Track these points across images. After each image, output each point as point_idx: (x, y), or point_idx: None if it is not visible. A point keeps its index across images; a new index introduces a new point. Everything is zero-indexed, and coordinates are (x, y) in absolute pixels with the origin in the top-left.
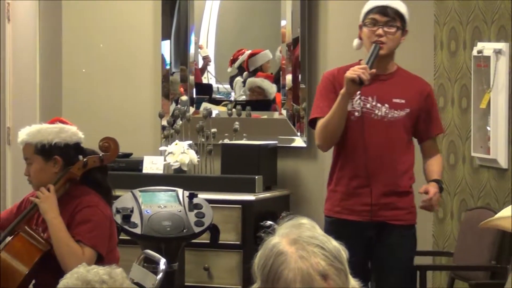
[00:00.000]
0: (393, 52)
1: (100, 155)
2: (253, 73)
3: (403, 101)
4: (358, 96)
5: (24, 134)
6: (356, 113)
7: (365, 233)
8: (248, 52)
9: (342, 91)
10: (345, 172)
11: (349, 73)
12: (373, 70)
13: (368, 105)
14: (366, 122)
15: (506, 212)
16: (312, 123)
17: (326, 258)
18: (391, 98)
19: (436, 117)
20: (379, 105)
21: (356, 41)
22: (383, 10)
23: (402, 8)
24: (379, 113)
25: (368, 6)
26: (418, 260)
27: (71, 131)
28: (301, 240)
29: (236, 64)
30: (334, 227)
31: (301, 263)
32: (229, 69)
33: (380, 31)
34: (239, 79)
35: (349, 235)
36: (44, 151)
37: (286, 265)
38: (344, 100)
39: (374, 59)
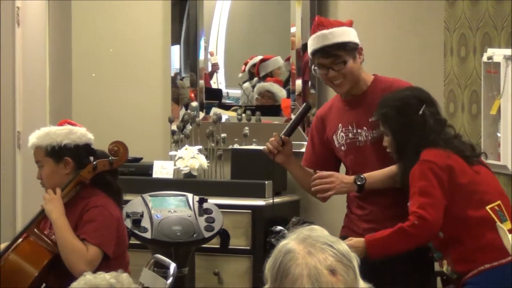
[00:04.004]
0: (358, 72)
1: (110, 158)
2: (263, 79)
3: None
4: (340, 130)
5: (33, 137)
6: (343, 147)
7: None
8: (259, 57)
9: None
10: (352, 201)
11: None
12: (286, 138)
13: (350, 135)
14: (353, 152)
15: None
16: None
17: (334, 255)
18: (367, 118)
19: None
20: (359, 130)
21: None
22: (323, 53)
23: (341, 35)
24: (362, 139)
25: (310, 48)
26: None
27: (80, 132)
28: (310, 239)
29: (246, 68)
30: None
31: (309, 259)
32: (240, 75)
33: (331, 74)
34: (247, 84)
35: None
36: (54, 153)
37: (294, 261)
38: (286, 166)
39: (298, 121)
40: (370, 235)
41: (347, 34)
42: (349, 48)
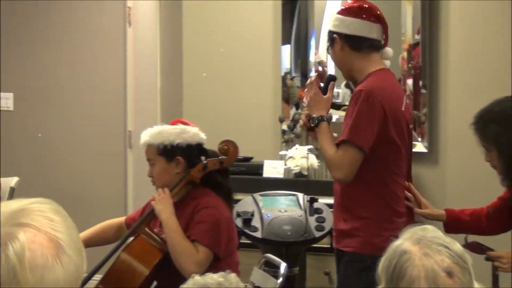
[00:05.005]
0: (343, 62)
1: (220, 158)
2: None
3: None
4: None
5: (146, 135)
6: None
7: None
8: None
9: None
10: None
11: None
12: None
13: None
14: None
15: None
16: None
17: (450, 256)
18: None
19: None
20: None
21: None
22: None
23: (327, 23)
24: None
25: None
26: None
27: (193, 132)
28: (425, 240)
29: None
30: None
31: (426, 260)
32: None
33: None
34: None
35: None
36: (166, 152)
37: (410, 262)
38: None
39: (325, 87)
40: None
41: (329, 23)
42: (329, 37)
